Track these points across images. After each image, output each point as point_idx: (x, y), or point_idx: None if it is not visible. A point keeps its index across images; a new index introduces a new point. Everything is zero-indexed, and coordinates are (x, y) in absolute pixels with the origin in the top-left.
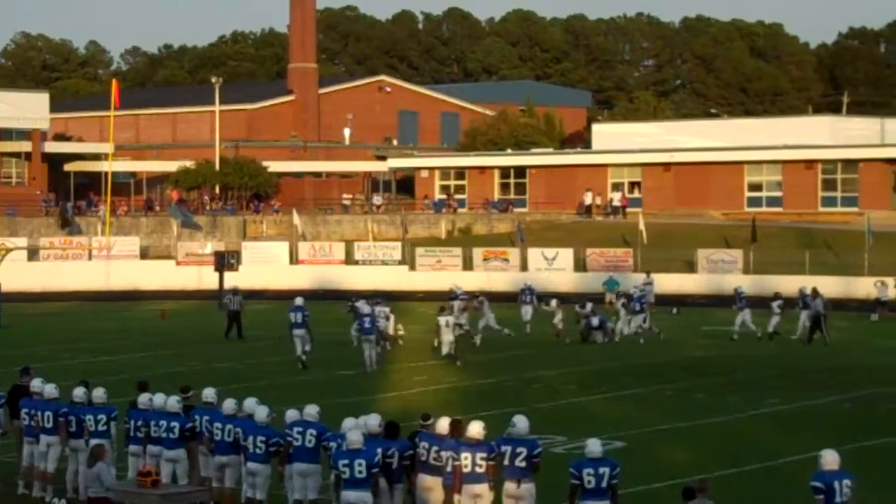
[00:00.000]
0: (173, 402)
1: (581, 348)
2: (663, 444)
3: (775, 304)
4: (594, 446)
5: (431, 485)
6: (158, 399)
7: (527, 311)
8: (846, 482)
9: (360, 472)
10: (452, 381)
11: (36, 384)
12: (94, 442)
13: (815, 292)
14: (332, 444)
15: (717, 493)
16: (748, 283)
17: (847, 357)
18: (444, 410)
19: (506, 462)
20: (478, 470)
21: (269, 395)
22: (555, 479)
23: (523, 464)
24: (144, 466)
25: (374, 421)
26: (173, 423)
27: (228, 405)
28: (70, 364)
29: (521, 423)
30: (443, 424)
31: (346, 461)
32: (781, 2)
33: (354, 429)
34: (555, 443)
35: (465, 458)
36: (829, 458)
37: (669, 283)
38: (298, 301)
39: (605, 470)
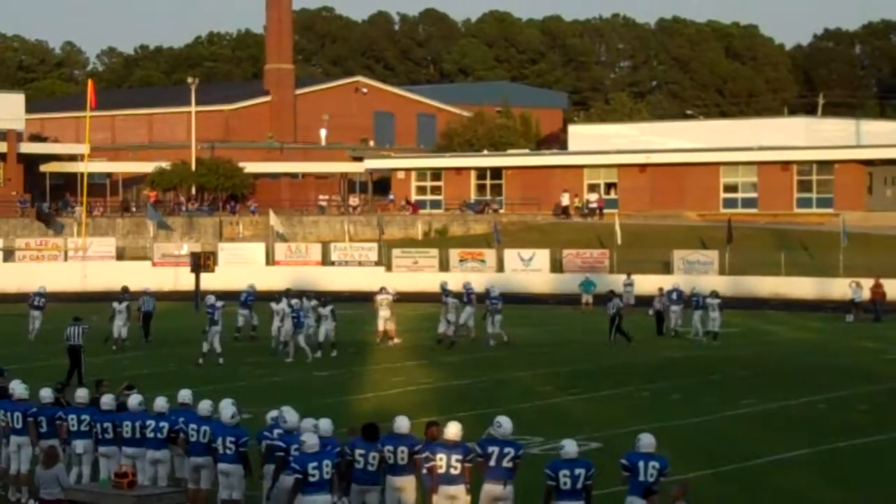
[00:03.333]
0: (162, 403)
1: (557, 349)
2: None
3: (710, 302)
4: (570, 447)
5: (401, 485)
6: (133, 400)
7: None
8: (652, 464)
9: (327, 473)
10: (429, 381)
11: (12, 385)
12: (47, 443)
13: (611, 293)
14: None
15: (693, 494)
16: (724, 284)
17: (823, 358)
18: (420, 411)
19: (492, 463)
20: (453, 472)
21: (245, 396)
22: (531, 480)
23: (510, 464)
24: (121, 467)
25: (403, 423)
26: (162, 424)
27: (204, 406)
28: (46, 365)
29: (506, 423)
30: (401, 424)
31: (314, 463)
32: (757, 3)
33: (310, 432)
34: (531, 443)
35: (441, 460)
36: (645, 442)
37: (646, 284)
38: (211, 299)
39: (580, 471)
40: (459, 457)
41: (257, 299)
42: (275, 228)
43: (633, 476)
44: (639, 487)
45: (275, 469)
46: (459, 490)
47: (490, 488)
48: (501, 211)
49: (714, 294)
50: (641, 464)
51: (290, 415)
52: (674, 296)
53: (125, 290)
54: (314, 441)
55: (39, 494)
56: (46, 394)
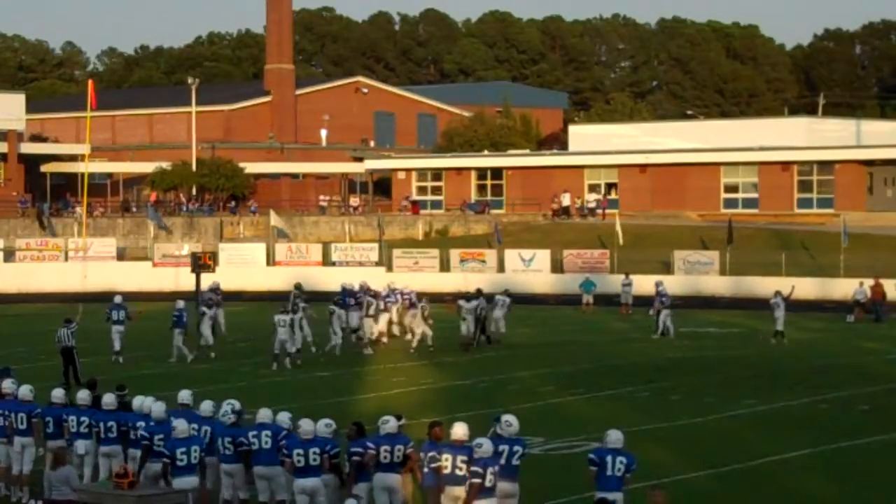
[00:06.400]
0: (149, 404)
1: (557, 349)
2: (640, 445)
3: (774, 301)
4: (487, 445)
5: (395, 483)
6: (136, 402)
7: (352, 318)
8: (620, 459)
9: (195, 458)
10: (430, 382)
11: (7, 385)
12: (56, 444)
13: (478, 292)
14: (296, 453)
15: (694, 494)
16: (725, 285)
17: (823, 358)
18: (422, 411)
19: (502, 461)
20: (458, 472)
21: (246, 396)
22: (532, 481)
23: (518, 462)
24: (121, 467)
25: (394, 422)
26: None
27: (205, 407)
28: (47, 365)
29: (515, 421)
30: (393, 423)
31: (183, 448)
32: (757, 3)
33: (181, 419)
34: (532, 444)
35: (447, 460)
36: (613, 438)
37: (647, 284)
38: (118, 299)
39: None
40: (465, 458)
41: None
42: (276, 226)
43: (601, 471)
44: (606, 482)
45: (140, 457)
46: (464, 491)
47: (500, 486)
48: (564, 205)
49: (777, 293)
50: (609, 458)
51: (156, 406)
52: (664, 299)
53: (216, 287)
54: (184, 427)
55: (51, 495)
56: (58, 394)
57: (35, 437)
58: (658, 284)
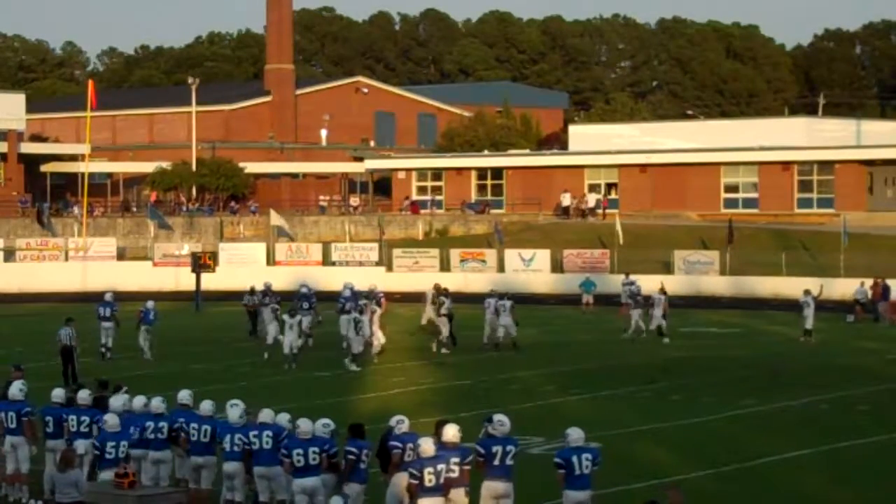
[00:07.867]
0: (158, 403)
1: (557, 349)
2: (640, 444)
3: (804, 300)
4: (426, 444)
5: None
6: (137, 401)
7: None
8: (585, 455)
9: (122, 451)
10: (430, 381)
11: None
12: (58, 445)
13: (445, 292)
14: (296, 453)
15: (694, 494)
16: (725, 285)
17: (823, 358)
18: (422, 411)
19: (496, 462)
20: (451, 475)
21: (246, 396)
22: (533, 480)
23: (511, 462)
24: (121, 467)
25: (406, 421)
26: (161, 424)
27: (206, 407)
28: (47, 365)
29: (507, 421)
30: (406, 422)
31: (112, 442)
32: (757, 3)
33: (113, 412)
34: (532, 443)
35: None
36: (574, 437)
37: (646, 284)
38: (108, 296)
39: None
40: (457, 459)
41: None
42: (278, 225)
43: (569, 471)
44: (576, 481)
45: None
46: (458, 493)
47: (494, 486)
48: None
49: (807, 293)
50: (575, 458)
51: (82, 393)
52: (640, 298)
53: (267, 287)
54: (115, 421)
55: (55, 497)
56: (58, 394)
57: (28, 436)
58: (633, 283)
